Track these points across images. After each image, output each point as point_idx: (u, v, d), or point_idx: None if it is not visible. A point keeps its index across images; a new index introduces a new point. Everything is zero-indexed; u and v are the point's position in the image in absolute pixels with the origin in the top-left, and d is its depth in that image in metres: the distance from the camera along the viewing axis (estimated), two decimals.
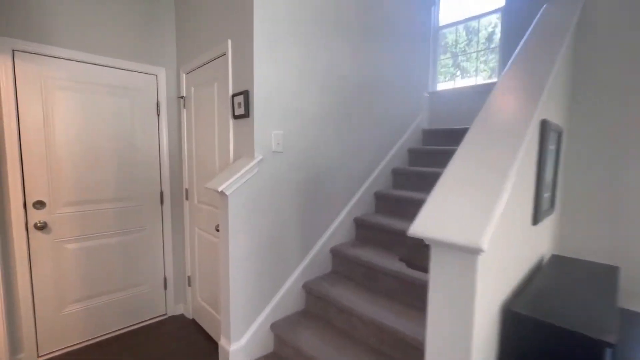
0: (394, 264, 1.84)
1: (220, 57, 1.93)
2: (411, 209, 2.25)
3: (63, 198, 2.01)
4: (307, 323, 1.89)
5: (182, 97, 2.37)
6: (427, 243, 0.81)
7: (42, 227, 1.92)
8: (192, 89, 2.27)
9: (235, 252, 1.69)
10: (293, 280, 1.97)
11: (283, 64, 1.79)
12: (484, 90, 2.84)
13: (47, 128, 1.94)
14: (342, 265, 2.14)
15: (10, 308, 1.87)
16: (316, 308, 1.99)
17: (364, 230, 2.29)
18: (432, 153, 2.70)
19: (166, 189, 2.45)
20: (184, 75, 2.35)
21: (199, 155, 2.25)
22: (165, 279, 2.50)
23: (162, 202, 2.45)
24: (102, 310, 2.21)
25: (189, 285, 2.49)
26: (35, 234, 1.94)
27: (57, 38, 1.94)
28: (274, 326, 1.86)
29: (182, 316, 2.55)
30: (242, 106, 1.71)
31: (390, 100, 2.59)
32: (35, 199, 1.92)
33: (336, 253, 2.15)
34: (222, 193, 1.65)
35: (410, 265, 1.76)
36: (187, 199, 2.45)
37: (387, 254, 2.03)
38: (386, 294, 1.86)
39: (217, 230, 2.00)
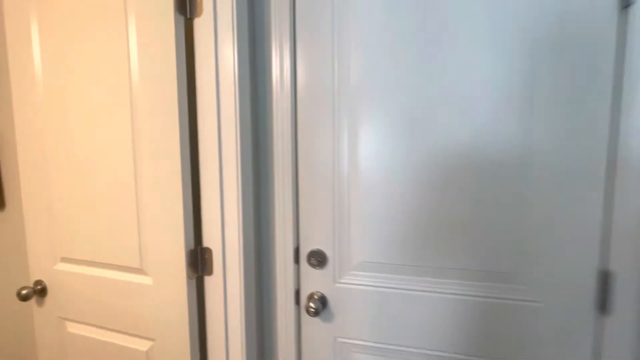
0: None
1: None
2: None
3: (356, 253, 0.88)
4: None
5: None
6: None
7: (316, 309, 0.89)
8: None
9: None
10: None
11: None
12: None
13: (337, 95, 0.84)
14: None
15: None
16: None
17: None
18: None
19: (622, 268, 0.72)
20: None
21: None
22: None
23: (603, 308, 0.76)
24: None
25: None
26: (308, 321, 0.95)
27: None
28: None
29: None
30: None
31: None
32: (311, 248, 0.91)
33: None
34: None
35: None
36: None
37: None
38: None
39: None
